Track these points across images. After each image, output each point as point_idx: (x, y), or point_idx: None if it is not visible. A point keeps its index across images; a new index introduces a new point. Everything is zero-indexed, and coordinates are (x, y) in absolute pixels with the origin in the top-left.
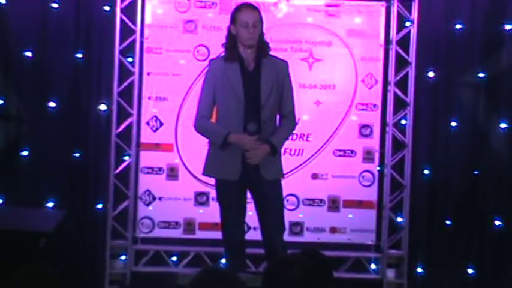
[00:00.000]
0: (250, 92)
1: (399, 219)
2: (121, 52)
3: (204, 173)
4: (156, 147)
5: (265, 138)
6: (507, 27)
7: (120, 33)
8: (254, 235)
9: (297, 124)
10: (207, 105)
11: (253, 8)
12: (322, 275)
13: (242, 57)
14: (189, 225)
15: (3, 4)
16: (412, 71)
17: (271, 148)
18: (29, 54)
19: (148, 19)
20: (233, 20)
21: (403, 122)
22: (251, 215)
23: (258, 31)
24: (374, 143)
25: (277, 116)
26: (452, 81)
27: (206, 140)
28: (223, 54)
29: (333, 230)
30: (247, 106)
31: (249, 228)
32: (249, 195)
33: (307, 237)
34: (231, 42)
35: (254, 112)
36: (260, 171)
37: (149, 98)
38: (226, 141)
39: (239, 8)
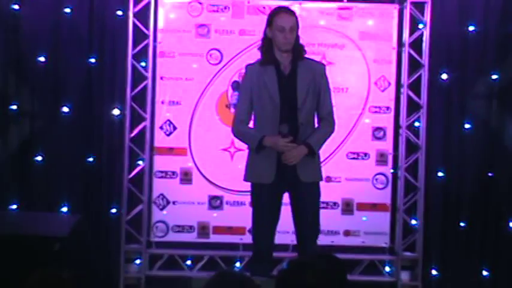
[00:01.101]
0: (286, 95)
1: (413, 222)
2: (134, 57)
3: (245, 179)
4: (170, 151)
5: (302, 140)
6: None
7: (133, 38)
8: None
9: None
10: (245, 110)
11: (291, 12)
12: (336, 278)
13: (278, 60)
14: (203, 229)
15: (16, 10)
16: (425, 73)
17: (308, 149)
18: (42, 59)
19: (161, 23)
20: (269, 23)
21: (417, 124)
22: None
23: (294, 36)
24: (387, 145)
25: (316, 119)
26: (465, 83)
27: (219, 144)
28: (259, 59)
29: (347, 233)
30: (282, 109)
31: None
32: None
33: (321, 240)
34: (267, 45)
35: (290, 115)
36: (297, 173)
37: (162, 102)
38: (261, 145)
39: (276, 12)
